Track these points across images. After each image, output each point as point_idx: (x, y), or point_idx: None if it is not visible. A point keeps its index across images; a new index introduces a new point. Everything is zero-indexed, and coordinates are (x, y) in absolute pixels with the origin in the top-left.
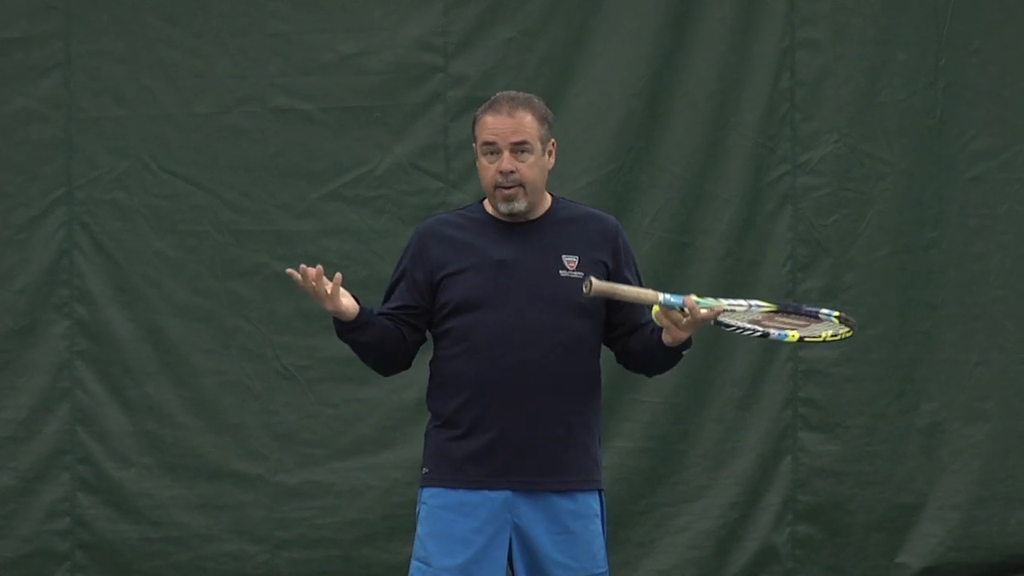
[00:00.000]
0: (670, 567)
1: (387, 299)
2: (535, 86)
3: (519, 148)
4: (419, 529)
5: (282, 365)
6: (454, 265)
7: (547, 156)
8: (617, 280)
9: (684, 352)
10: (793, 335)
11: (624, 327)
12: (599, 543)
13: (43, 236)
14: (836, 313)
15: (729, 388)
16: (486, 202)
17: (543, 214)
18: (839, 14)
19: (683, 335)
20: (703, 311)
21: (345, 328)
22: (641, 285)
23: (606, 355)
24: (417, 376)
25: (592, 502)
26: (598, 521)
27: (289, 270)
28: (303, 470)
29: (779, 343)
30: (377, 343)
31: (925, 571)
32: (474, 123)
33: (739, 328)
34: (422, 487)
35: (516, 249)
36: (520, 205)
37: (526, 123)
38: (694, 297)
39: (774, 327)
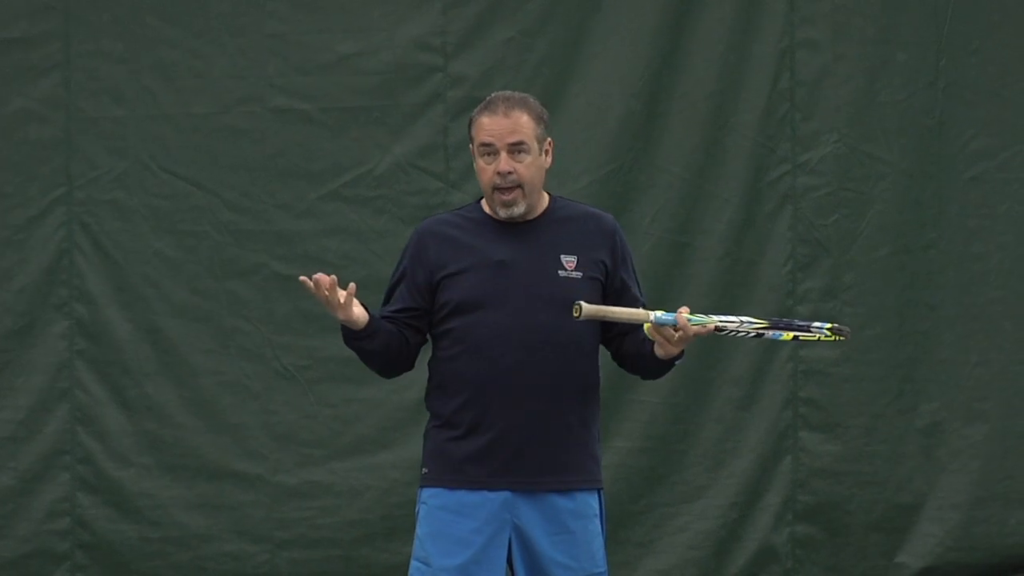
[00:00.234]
0: (670, 567)
1: (387, 300)
2: (534, 86)
3: (516, 149)
4: (418, 529)
5: (281, 365)
6: (454, 266)
7: (544, 155)
8: (614, 279)
9: (677, 362)
10: (787, 335)
11: (619, 328)
12: (598, 543)
13: (42, 236)
14: (828, 326)
15: (729, 388)
16: (483, 202)
17: (541, 214)
18: (839, 14)
19: (675, 350)
20: (694, 328)
21: (353, 336)
22: (637, 283)
23: (604, 355)
24: (417, 376)
25: (591, 501)
26: (597, 521)
27: (302, 278)
28: (303, 470)
29: (776, 343)
30: (383, 349)
31: (924, 571)
32: (470, 124)
33: (733, 332)
34: (421, 487)
35: (515, 249)
36: (519, 209)
37: (522, 123)
38: (685, 315)
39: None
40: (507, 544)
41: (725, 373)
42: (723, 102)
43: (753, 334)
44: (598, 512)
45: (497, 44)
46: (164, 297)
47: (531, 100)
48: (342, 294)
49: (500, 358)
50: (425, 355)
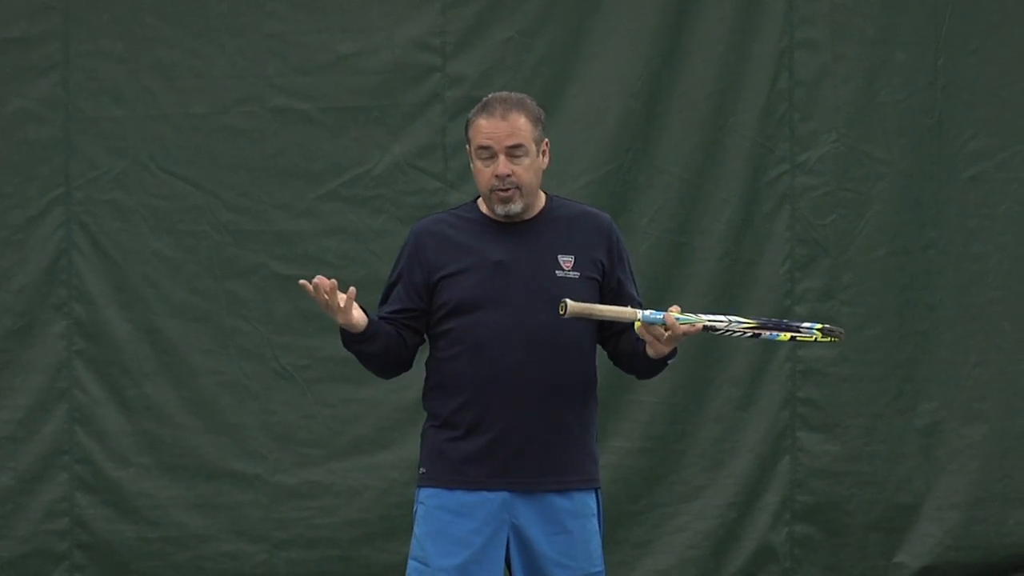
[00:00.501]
0: (668, 567)
1: (384, 301)
2: (533, 86)
3: (514, 151)
4: (416, 529)
5: (280, 365)
6: (451, 266)
7: (541, 157)
8: (611, 279)
9: (670, 361)
10: (784, 335)
11: (615, 327)
12: (596, 542)
13: (41, 236)
14: (819, 326)
15: (727, 388)
16: (480, 201)
17: (538, 213)
18: (838, 14)
19: (665, 349)
20: (683, 327)
21: (352, 339)
22: (634, 282)
23: (601, 355)
24: (415, 376)
25: (589, 501)
26: (595, 520)
27: (302, 281)
28: (301, 470)
29: (773, 343)
30: (382, 352)
31: (923, 571)
32: (467, 126)
33: (728, 331)
34: (419, 487)
35: (512, 250)
36: (517, 207)
37: (520, 126)
38: (674, 314)
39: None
40: (505, 544)
41: (724, 373)
42: (722, 102)
43: (749, 334)
44: (596, 512)
45: (496, 44)
46: (163, 297)
47: (528, 101)
48: (342, 298)
49: (499, 358)
50: (423, 355)
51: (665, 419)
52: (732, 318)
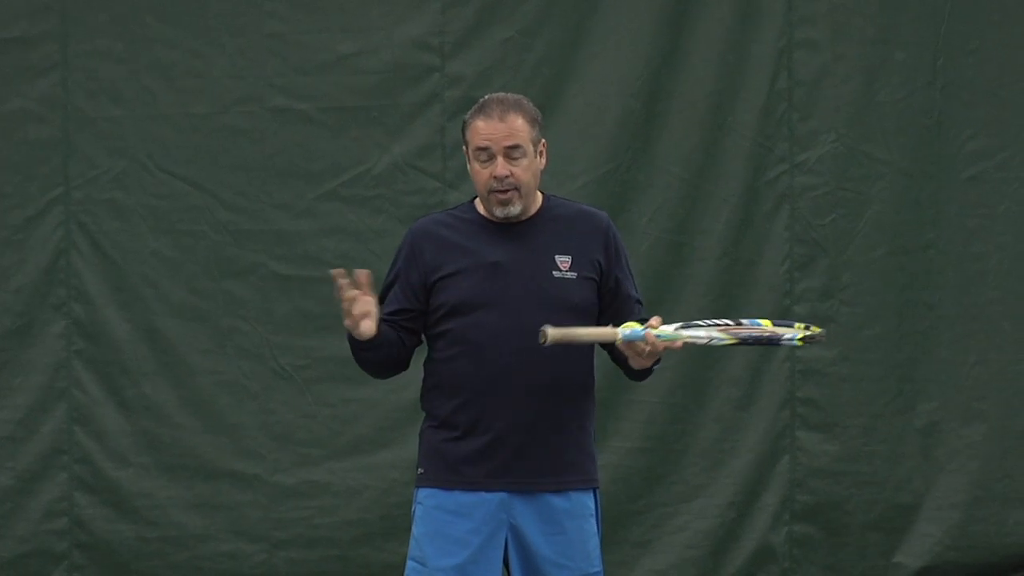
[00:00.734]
0: (668, 567)
1: (380, 301)
2: (532, 86)
3: (512, 152)
4: (415, 529)
5: (279, 365)
6: (449, 267)
7: (539, 157)
8: (608, 278)
9: (655, 367)
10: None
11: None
12: (594, 542)
13: (40, 236)
14: (800, 336)
15: (727, 388)
16: (477, 202)
17: (535, 214)
18: (837, 14)
19: (647, 363)
20: (662, 343)
21: (358, 346)
22: (632, 281)
23: (600, 355)
24: (414, 376)
25: (587, 501)
26: (593, 520)
27: (334, 271)
28: (300, 470)
29: None
30: (384, 358)
31: (922, 571)
32: (464, 127)
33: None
34: (417, 487)
35: (509, 250)
36: (515, 209)
37: (518, 127)
38: (653, 332)
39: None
40: (503, 544)
41: (723, 373)
42: (721, 102)
43: (734, 343)
44: (594, 512)
45: (495, 44)
46: (162, 297)
47: (525, 102)
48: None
49: (498, 359)
50: (420, 355)
51: (665, 419)
52: (713, 333)
